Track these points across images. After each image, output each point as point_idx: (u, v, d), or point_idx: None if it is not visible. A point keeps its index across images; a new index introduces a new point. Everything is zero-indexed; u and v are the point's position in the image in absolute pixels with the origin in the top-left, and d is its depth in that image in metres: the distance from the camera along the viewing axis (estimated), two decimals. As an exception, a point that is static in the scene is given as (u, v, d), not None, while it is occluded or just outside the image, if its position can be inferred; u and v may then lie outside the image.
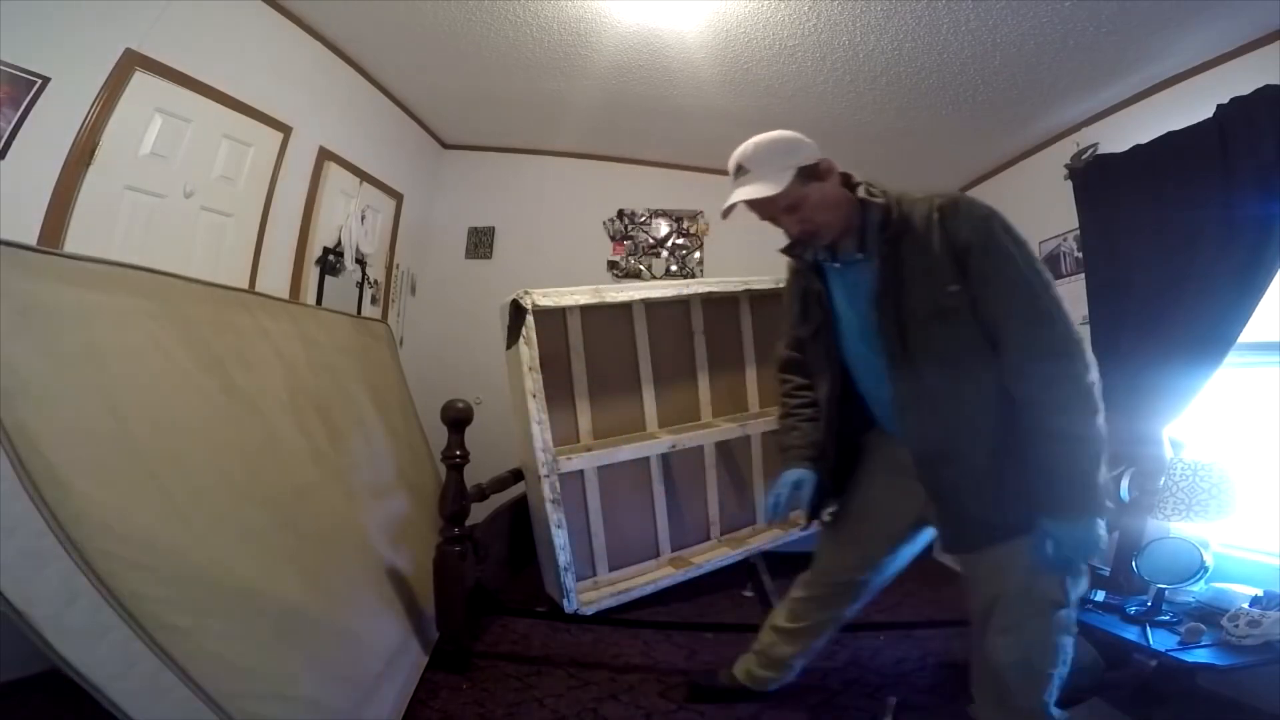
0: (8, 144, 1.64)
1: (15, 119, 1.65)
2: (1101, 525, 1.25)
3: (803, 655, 1.81)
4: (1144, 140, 2.26)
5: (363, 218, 3.09)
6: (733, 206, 1.34)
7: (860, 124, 3.05)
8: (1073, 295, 2.68)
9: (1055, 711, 1.44)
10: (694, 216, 3.99)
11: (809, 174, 1.31)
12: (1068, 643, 1.39)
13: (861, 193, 1.35)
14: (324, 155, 2.79)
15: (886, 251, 1.33)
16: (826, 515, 1.66)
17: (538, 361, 2.38)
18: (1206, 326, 1.94)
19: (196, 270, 1.84)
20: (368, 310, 3.21)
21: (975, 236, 1.28)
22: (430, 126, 3.72)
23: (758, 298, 3.16)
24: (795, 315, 1.59)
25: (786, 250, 1.48)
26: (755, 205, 1.34)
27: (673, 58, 2.68)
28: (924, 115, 2.91)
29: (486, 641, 2.25)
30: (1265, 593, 1.78)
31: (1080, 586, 1.38)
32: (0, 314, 1.10)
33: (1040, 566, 1.31)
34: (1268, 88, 1.85)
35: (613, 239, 3.98)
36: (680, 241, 3.99)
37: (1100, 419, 1.24)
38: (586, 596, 2.50)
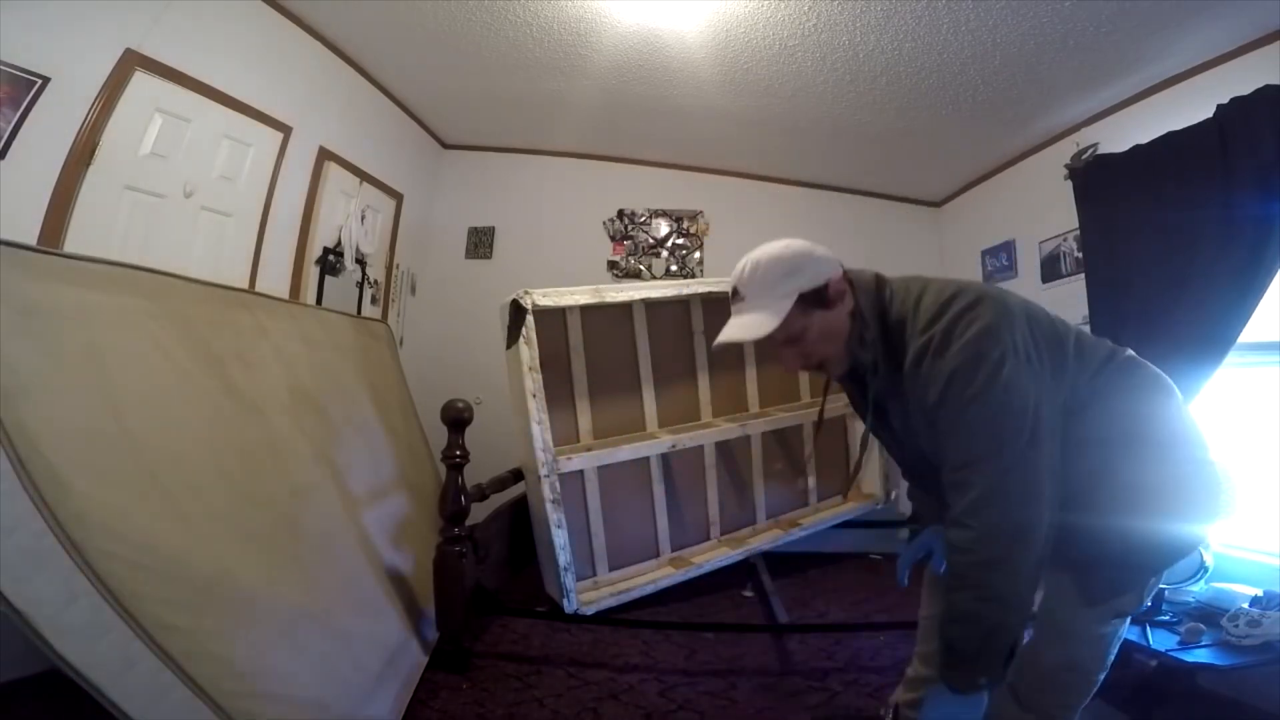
0: (8, 144, 1.64)
1: (15, 119, 1.65)
2: (956, 701, 1.10)
3: None
4: (1144, 140, 2.26)
5: (363, 218, 3.09)
6: (725, 343, 1.17)
7: (860, 124, 3.05)
8: (1073, 295, 2.69)
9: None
10: (694, 216, 3.99)
11: (815, 300, 1.13)
12: (1116, 647, 1.31)
13: (854, 341, 1.18)
14: (324, 155, 2.79)
15: (879, 384, 1.19)
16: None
17: (538, 361, 2.38)
18: (1206, 326, 1.94)
19: (196, 270, 1.84)
20: (368, 310, 3.21)
21: (945, 336, 1.07)
22: (430, 126, 3.72)
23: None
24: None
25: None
26: (759, 342, 1.16)
27: (673, 58, 2.68)
28: (924, 115, 2.91)
29: (486, 641, 2.25)
30: (1265, 593, 1.78)
31: (1150, 596, 1.28)
32: (0, 314, 1.10)
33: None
34: (1268, 88, 1.85)
35: (613, 239, 3.98)
36: (680, 241, 3.99)
37: (990, 601, 1.06)
38: (586, 596, 2.50)
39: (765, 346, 1.18)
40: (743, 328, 1.14)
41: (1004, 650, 1.09)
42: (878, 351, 1.15)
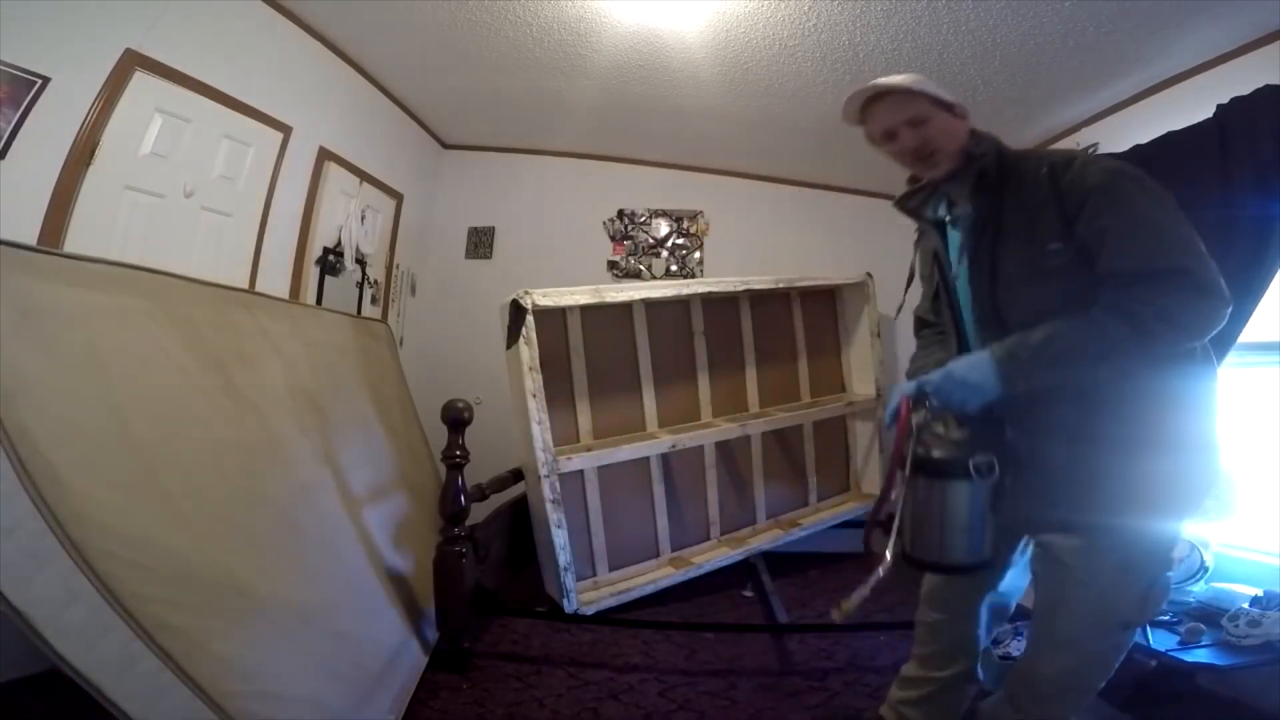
0: (8, 144, 1.64)
1: (15, 119, 1.65)
2: (990, 378, 1.14)
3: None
4: (1144, 140, 2.26)
5: (363, 218, 3.09)
6: (869, 95, 1.29)
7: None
8: (1073, 295, 2.69)
9: None
10: (694, 216, 3.99)
11: (944, 105, 1.29)
12: (1118, 658, 1.31)
13: (971, 141, 1.30)
14: (324, 155, 2.79)
15: (984, 204, 1.26)
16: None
17: (538, 361, 2.38)
18: (1206, 326, 1.94)
19: (196, 270, 1.84)
20: (368, 310, 3.21)
21: (1095, 183, 1.17)
22: (430, 126, 3.72)
23: (758, 298, 3.16)
24: (922, 277, 1.53)
25: (901, 202, 1.44)
26: (886, 109, 1.30)
27: (673, 58, 2.67)
28: (924, 115, 2.91)
29: (486, 641, 2.25)
30: (1265, 593, 1.78)
31: (1159, 604, 1.28)
32: (0, 314, 1.10)
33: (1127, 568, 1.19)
34: (1268, 88, 1.85)
35: (613, 239, 3.98)
36: (680, 241, 3.99)
37: (1130, 347, 1.09)
38: (586, 596, 2.50)
39: (892, 113, 1.30)
40: (891, 81, 1.28)
41: (1057, 373, 1.13)
42: (991, 169, 1.25)
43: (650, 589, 2.64)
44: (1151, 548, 1.21)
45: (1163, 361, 1.16)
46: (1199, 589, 1.91)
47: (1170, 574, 1.28)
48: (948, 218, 1.38)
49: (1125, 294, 1.12)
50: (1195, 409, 1.20)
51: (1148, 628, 1.79)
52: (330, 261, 2.87)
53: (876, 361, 3.40)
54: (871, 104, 1.31)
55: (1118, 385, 1.16)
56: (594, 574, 2.68)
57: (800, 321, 3.41)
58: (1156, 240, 1.17)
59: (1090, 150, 2.60)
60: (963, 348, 1.38)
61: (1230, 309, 1.14)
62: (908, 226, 1.53)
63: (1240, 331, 1.90)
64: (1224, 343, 1.92)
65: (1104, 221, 1.16)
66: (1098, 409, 1.18)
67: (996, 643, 2.05)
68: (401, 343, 3.46)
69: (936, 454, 1.20)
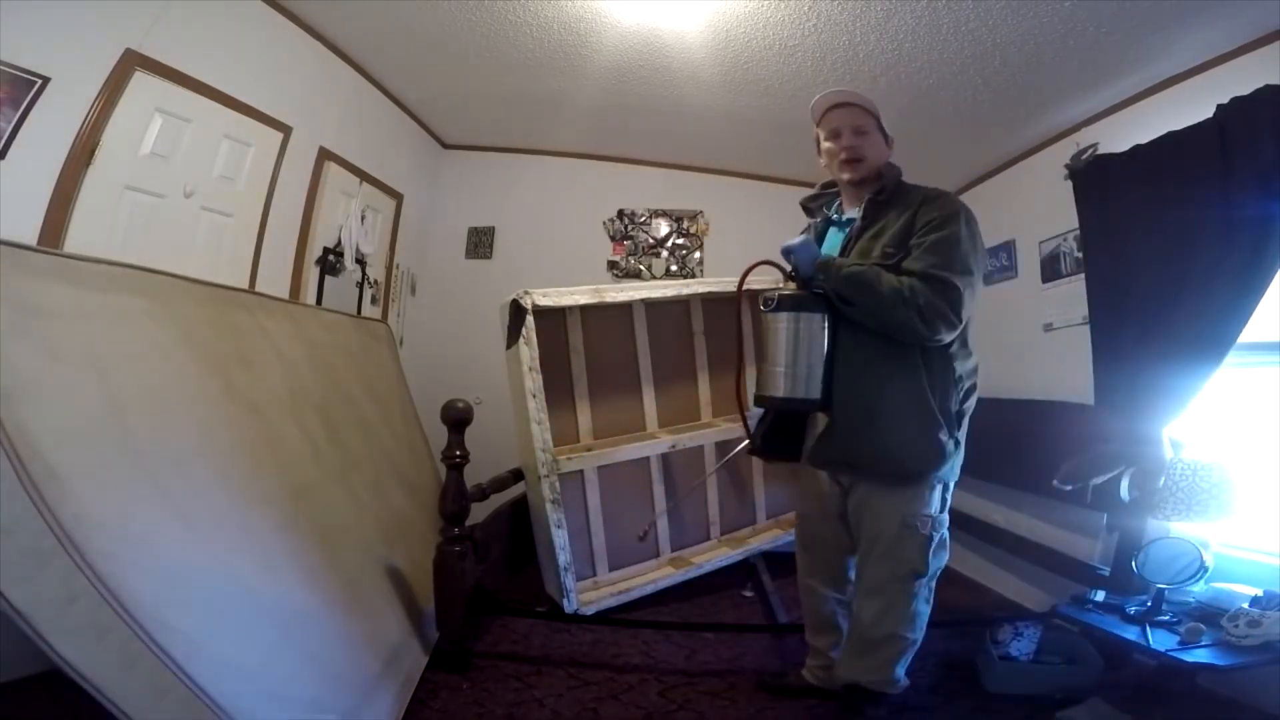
0: (8, 144, 1.64)
1: (15, 119, 1.65)
2: (815, 264, 1.59)
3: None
4: (1144, 140, 2.26)
5: (363, 218, 3.09)
6: (836, 101, 1.71)
7: (860, 124, 3.05)
8: (1073, 295, 2.69)
9: (902, 678, 1.71)
10: (694, 216, 3.99)
11: (881, 131, 1.70)
12: (925, 612, 1.68)
13: (885, 166, 1.70)
14: (324, 155, 2.79)
15: (869, 215, 1.66)
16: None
17: (538, 361, 2.38)
18: (1206, 326, 1.94)
19: (196, 270, 1.84)
20: (368, 310, 3.21)
21: (939, 213, 1.56)
22: (430, 126, 3.72)
23: (758, 298, 3.15)
24: None
25: (805, 201, 1.91)
26: (843, 114, 1.70)
27: (673, 58, 2.67)
28: (924, 115, 2.91)
29: (486, 641, 2.25)
30: (1265, 593, 1.78)
31: (941, 560, 1.65)
32: (0, 314, 1.10)
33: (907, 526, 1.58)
34: (1268, 88, 1.85)
35: (613, 239, 3.98)
36: (680, 241, 3.99)
37: (912, 312, 1.47)
38: (586, 596, 2.50)
39: (853, 117, 1.69)
40: (855, 96, 1.70)
41: (842, 285, 1.55)
42: (888, 190, 1.66)
43: (650, 589, 2.64)
44: (920, 506, 1.58)
45: (926, 354, 1.55)
46: (1199, 589, 1.91)
47: (943, 534, 1.63)
48: (835, 218, 1.78)
49: (911, 279, 1.50)
50: (938, 392, 1.54)
51: (1148, 628, 1.80)
52: (330, 261, 2.87)
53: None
54: (834, 108, 1.70)
55: (893, 366, 1.55)
56: (594, 574, 2.68)
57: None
58: (946, 262, 1.51)
59: (1090, 150, 2.60)
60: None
61: (954, 334, 1.54)
62: None
63: (1240, 331, 1.90)
64: (1224, 342, 1.92)
65: (925, 240, 1.54)
66: (877, 379, 1.56)
67: (996, 643, 2.05)
68: (401, 343, 3.46)
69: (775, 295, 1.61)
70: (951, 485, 1.66)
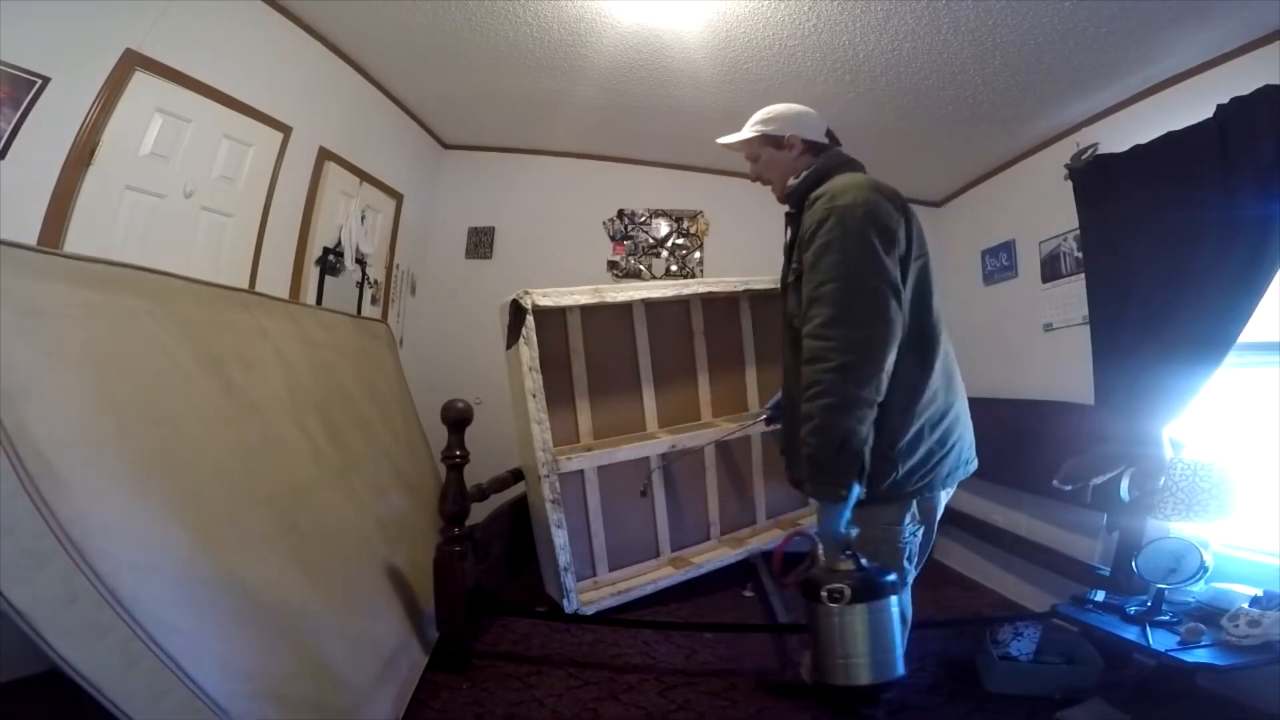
0: (8, 144, 1.64)
1: (15, 119, 1.65)
2: (830, 509, 1.33)
3: None
4: (1144, 140, 2.26)
5: (363, 218, 3.09)
6: (725, 146, 1.74)
7: (860, 124, 3.04)
8: (1073, 295, 2.69)
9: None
10: (694, 216, 3.99)
11: (772, 141, 1.64)
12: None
13: (803, 171, 1.61)
14: (324, 155, 2.79)
15: (790, 225, 1.62)
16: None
17: (538, 361, 2.38)
18: (1206, 326, 1.94)
19: (196, 270, 1.84)
20: (368, 310, 3.21)
21: (813, 221, 1.45)
22: (430, 126, 3.72)
23: (758, 298, 3.16)
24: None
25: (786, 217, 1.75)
26: (738, 148, 1.72)
27: (673, 58, 2.67)
28: (924, 115, 2.91)
29: (486, 641, 2.25)
30: (1265, 593, 1.78)
31: (893, 562, 1.51)
32: (0, 314, 1.10)
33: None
34: (1268, 88, 1.85)
35: (613, 239, 3.98)
36: (680, 241, 3.99)
37: (842, 407, 1.31)
38: (586, 596, 2.50)
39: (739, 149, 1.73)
40: (725, 137, 1.72)
41: (857, 458, 1.32)
42: (794, 203, 1.60)
43: (650, 589, 2.64)
44: (877, 517, 1.49)
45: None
46: (1199, 589, 1.91)
47: (899, 545, 1.52)
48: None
49: (806, 366, 1.38)
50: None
51: (1148, 628, 1.80)
52: (330, 261, 2.87)
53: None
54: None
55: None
56: (594, 574, 2.68)
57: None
58: (821, 282, 1.39)
59: (1090, 150, 2.60)
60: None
61: (892, 333, 1.37)
62: None
63: (1240, 331, 1.90)
64: (1224, 343, 1.92)
65: (808, 251, 1.44)
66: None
67: (996, 643, 2.05)
68: (401, 343, 3.46)
69: (827, 583, 1.31)
70: (915, 499, 1.54)
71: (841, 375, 1.31)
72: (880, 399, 1.35)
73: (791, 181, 1.60)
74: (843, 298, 1.35)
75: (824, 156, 1.61)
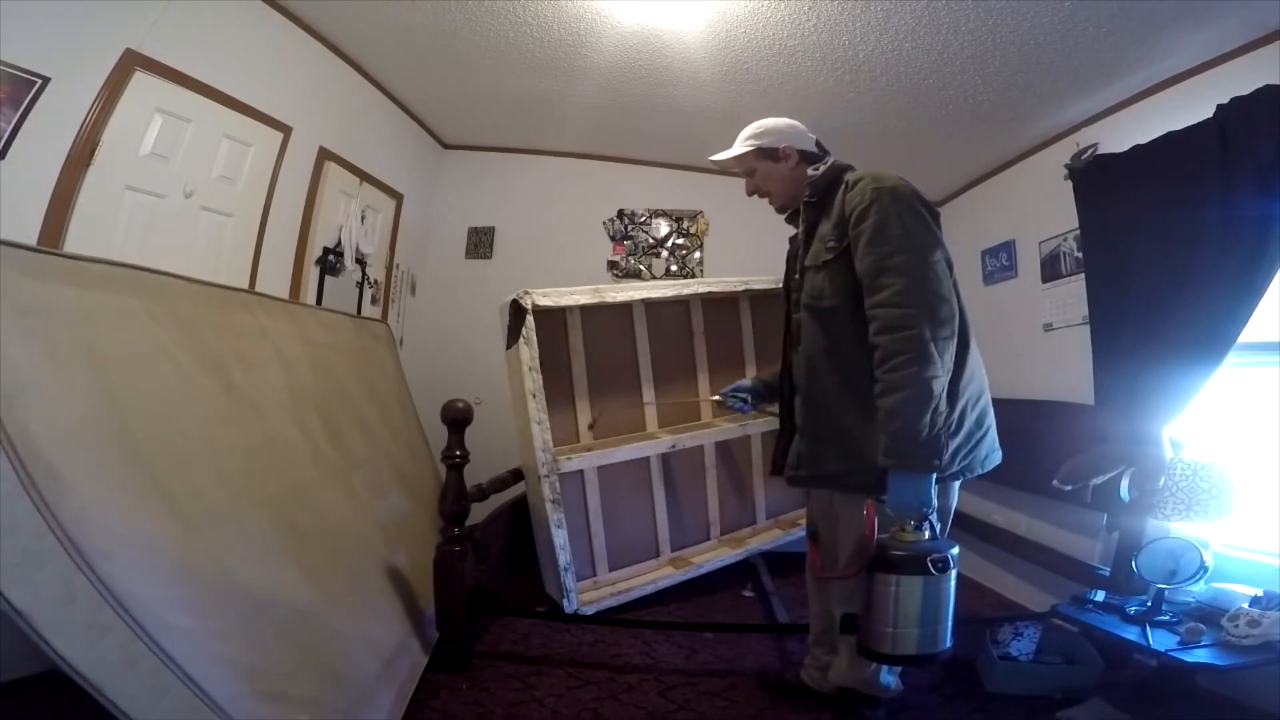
0: (8, 144, 1.64)
1: (15, 119, 1.65)
2: (920, 481, 1.33)
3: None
4: (1144, 140, 2.26)
5: (363, 218, 3.09)
6: (718, 165, 1.80)
7: (860, 124, 3.05)
8: (1073, 295, 2.69)
9: (891, 682, 1.70)
10: (694, 216, 3.99)
11: (767, 154, 1.69)
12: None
13: (808, 171, 1.66)
14: (324, 155, 2.79)
15: (807, 216, 1.64)
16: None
17: (538, 361, 2.38)
18: (1206, 326, 1.94)
19: (196, 270, 1.83)
20: (368, 310, 3.21)
21: (860, 200, 1.47)
22: (430, 126, 3.72)
23: (758, 298, 3.16)
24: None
25: (787, 219, 1.83)
26: (730, 163, 1.77)
27: (673, 58, 2.67)
28: (924, 115, 2.91)
29: (486, 641, 2.25)
30: (1265, 593, 1.78)
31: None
32: (0, 314, 1.10)
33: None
34: (1268, 88, 1.85)
35: (613, 239, 3.98)
36: (680, 241, 3.99)
37: (931, 375, 1.32)
38: (586, 596, 2.50)
39: (733, 165, 1.78)
40: (720, 153, 1.77)
41: (945, 430, 1.35)
42: (816, 191, 1.62)
43: (650, 589, 2.64)
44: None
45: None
46: (1199, 589, 1.91)
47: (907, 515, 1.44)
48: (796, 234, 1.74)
49: (875, 324, 1.40)
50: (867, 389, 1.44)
51: (1148, 627, 1.80)
52: (330, 261, 2.87)
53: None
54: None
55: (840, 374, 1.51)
56: (594, 574, 2.68)
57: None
58: (888, 251, 1.41)
59: (1090, 150, 2.60)
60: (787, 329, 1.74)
61: (948, 299, 1.40)
62: None
63: (1240, 331, 1.90)
64: (1224, 343, 1.92)
65: (860, 232, 1.45)
66: (835, 391, 1.53)
67: (996, 643, 2.05)
68: (401, 343, 3.46)
69: (896, 552, 1.34)
70: (957, 480, 1.60)
71: (929, 342, 1.32)
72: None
73: (811, 171, 1.65)
74: (915, 268, 1.37)
75: (832, 158, 1.67)
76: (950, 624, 1.36)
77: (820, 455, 1.56)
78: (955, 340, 1.38)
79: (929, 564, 1.30)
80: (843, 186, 1.54)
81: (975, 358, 1.55)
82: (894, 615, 1.33)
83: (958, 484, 1.63)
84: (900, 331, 1.34)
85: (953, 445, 1.48)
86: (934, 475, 1.34)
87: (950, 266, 1.45)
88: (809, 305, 1.57)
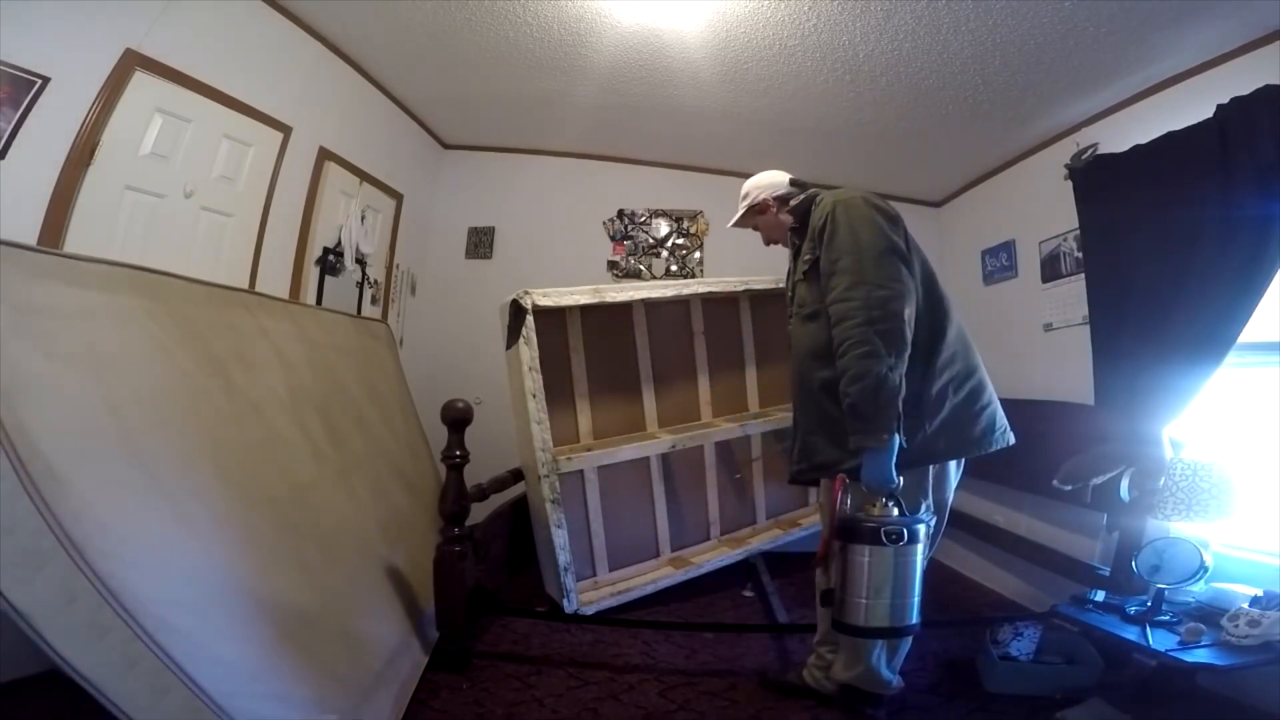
0: (8, 144, 1.64)
1: (15, 119, 1.65)
2: (881, 457, 1.46)
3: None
4: (1144, 140, 2.26)
5: (363, 218, 3.09)
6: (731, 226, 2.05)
7: (860, 124, 3.05)
8: (1073, 295, 2.69)
9: (891, 677, 1.76)
10: (694, 216, 3.99)
11: (757, 210, 1.94)
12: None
13: (785, 214, 1.88)
14: (324, 155, 2.79)
15: (793, 238, 1.86)
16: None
17: (538, 361, 2.38)
18: (1206, 326, 1.94)
19: (196, 270, 1.84)
20: (368, 310, 3.21)
21: (822, 216, 1.67)
22: (430, 126, 3.72)
23: (758, 298, 3.16)
24: None
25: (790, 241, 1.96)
26: (741, 221, 2.01)
27: (673, 58, 2.67)
28: (924, 115, 2.91)
29: (486, 641, 2.25)
30: (1265, 593, 1.78)
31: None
32: (0, 314, 1.10)
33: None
34: (1268, 88, 1.85)
35: (613, 239, 3.98)
36: (680, 241, 3.99)
37: (874, 359, 1.45)
38: (586, 596, 2.50)
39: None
40: (732, 220, 2.02)
41: (892, 403, 1.46)
42: (796, 217, 1.84)
43: (650, 589, 2.64)
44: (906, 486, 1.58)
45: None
46: (1199, 589, 1.91)
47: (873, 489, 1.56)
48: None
49: (837, 330, 1.54)
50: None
51: (1148, 627, 1.80)
52: (330, 261, 2.87)
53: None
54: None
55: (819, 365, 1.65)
56: (594, 574, 2.68)
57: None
58: (836, 256, 1.59)
59: (1090, 150, 2.60)
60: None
61: (906, 295, 1.54)
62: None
63: (1240, 331, 1.90)
64: (1224, 342, 1.92)
65: (821, 244, 1.65)
66: (810, 379, 1.69)
67: (996, 643, 2.05)
68: (401, 343, 3.46)
69: (865, 524, 1.47)
70: (951, 460, 1.70)
71: (869, 327, 1.47)
72: (907, 350, 1.50)
73: (793, 202, 1.86)
74: (858, 265, 1.54)
75: (808, 188, 1.87)
76: (918, 599, 1.46)
77: (814, 447, 1.68)
78: (903, 325, 1.49)
79: (882, 534, 1.42)
80: (814, 207, 1.74)
81: (958, 339, 1.68)
82: (864, 586, 1.44)
83: (954, 466, 1.72)
84: (846, 322, 1.51)
85: (934, 423, 1.60)
86: (890, 451, 1.46)
87: (905, 259, 1.58)
88: (797, 313, 1.76)
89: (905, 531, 1.43)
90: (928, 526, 1.59)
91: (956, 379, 1.63)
